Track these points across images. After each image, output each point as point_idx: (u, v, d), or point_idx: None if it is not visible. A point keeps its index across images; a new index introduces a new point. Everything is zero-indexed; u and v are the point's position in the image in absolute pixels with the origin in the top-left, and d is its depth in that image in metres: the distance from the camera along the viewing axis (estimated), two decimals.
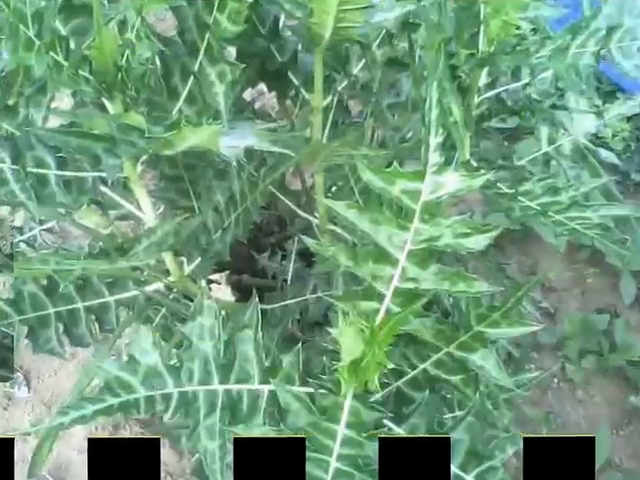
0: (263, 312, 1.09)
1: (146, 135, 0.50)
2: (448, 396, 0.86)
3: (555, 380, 1.41)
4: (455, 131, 0.62)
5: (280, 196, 0.95)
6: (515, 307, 0.60)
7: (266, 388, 0.63)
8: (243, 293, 1.25)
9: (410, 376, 0.68)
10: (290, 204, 0.95)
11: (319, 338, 0.97)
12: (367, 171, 0.59)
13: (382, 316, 0.60)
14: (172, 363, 0.60)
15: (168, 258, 0.84)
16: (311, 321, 1.00)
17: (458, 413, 0.87)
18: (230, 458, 0.81)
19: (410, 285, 0.60)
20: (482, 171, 0.59)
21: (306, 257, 1.20)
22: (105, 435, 1.32)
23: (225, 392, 0.61)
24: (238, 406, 0.62)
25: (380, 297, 0.61)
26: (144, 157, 0.74)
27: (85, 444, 1.29)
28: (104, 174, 0.71)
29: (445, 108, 0.60)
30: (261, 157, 0.77)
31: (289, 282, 1.11)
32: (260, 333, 0.63)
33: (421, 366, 0.67)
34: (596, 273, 1.55)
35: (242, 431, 0.57)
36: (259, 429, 0.58)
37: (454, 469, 0.61)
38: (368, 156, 0.66)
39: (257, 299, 0.63)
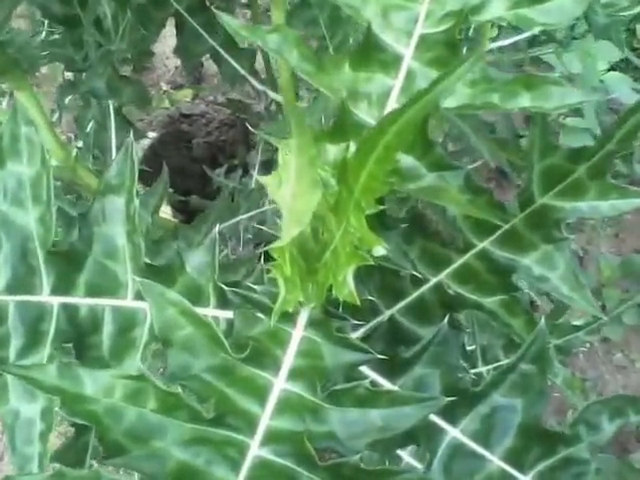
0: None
1: None
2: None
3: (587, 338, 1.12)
4: None
5: (226, 56, 0.65)
6: (628, 147, 0.31)
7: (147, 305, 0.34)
8: (188, 217, 0.96)
9: (415, 296, 0.39)
10: (238, 67, 0.65)
11: None
12: None
13: None
14: None
15: (40, 123, 0.54)
16: (271, 238, 0.71)
17: (483, 369, 0.59)
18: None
19: None
20: None
21: (272, 166, 0.91)
22: None
23: (63, 309, 0.32)
24: (92, 337, 0.33)
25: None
26: None
27: None
28: None
29: None
30: None
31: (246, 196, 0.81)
32: (136, 204, 0.33)
33: (434, 278, 0.38)
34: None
35: (91, 377, 0.27)
36: (131, 380, 0.28)
37: (496, 461, 0.32)
38: None
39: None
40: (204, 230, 0.56)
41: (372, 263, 0.28)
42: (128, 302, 0.34)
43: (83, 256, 0.33)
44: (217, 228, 0.37)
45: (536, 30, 0.29)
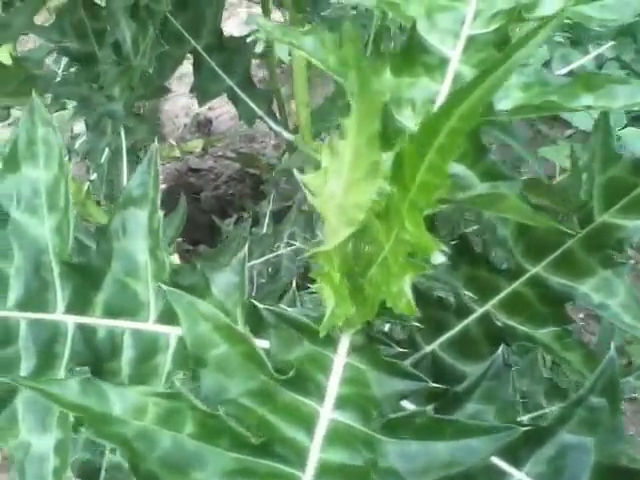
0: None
1: None
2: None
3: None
4: None
5: (242, 95, 0.63)
6: None
7: (174, 330, 0.30)
8: None
9: (459, 328, 0.36)
10: (255, 108, 0.63)
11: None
12: None
13: None
14: None
15: None
16: (286, 282, 0.68)
17: (525, 417, 0.54)
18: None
19: None
20: None
21: (282, 216, 0.88)
22: None
23: (79, 330, 0.29)
24: (110, 363, 0.29)
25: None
26: None
27: None
28: None
29: None
30: None
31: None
32: (160, 216, 0.31)
33: (480, 309, 0.35)
34: None
35: (119, 395, 0.24)
36: (165, 399, 0.24)
37: None
38: None
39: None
40: (229, 255, 0.52)
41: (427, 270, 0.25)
42: (149, 325, 0.31)
43: (101, 273, 0.30)
44: (246, 247, 0.34)
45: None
